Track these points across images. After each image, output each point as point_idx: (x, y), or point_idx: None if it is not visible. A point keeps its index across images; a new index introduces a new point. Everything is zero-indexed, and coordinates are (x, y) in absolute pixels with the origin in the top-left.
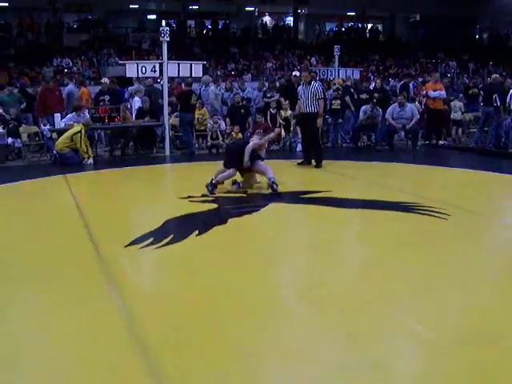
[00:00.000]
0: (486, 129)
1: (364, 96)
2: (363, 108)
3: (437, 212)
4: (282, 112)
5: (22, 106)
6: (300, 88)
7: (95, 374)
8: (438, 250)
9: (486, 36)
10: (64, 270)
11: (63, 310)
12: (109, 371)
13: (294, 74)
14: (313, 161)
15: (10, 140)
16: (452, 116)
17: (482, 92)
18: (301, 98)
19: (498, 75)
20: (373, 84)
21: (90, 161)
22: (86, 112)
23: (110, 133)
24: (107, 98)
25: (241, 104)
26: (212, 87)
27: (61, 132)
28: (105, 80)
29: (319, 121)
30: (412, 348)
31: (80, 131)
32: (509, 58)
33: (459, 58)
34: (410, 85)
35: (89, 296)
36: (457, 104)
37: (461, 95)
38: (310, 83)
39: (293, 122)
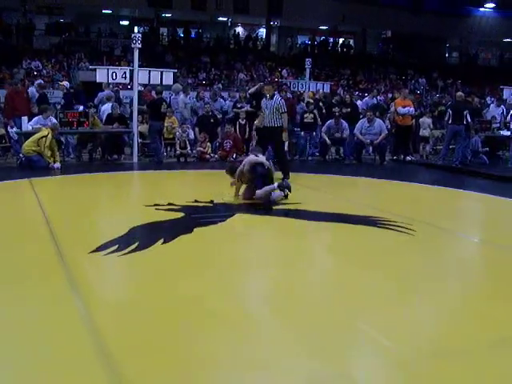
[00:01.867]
0: (451, 146)
1: (336, 110)
2: (327, 123)
3: (403, 227)
4: (256, 122)
5: None
6: (263, 101)
7: (56, 380)
8: (404, 264)
9: (455, 55)
10: (27, 275)
11: (24, 317)
12: (70, 378)
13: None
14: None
15: None
16: (421, 133)
17: (449, 110)
18: (264, 111)
19: (462, 93)
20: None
21: (57, 165)
22: (52, 116)
23: (78, 138)
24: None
25: (211, 114)
26: (181, 96)
27: (28, 135)
28: (64, 83)
29: (285, 135)
30: (377, 361)
31: (46, 136)
32: (477, 76)
33: (429, 76)
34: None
35: (51, 302)
36: (425, 121)
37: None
38: (272, 97)
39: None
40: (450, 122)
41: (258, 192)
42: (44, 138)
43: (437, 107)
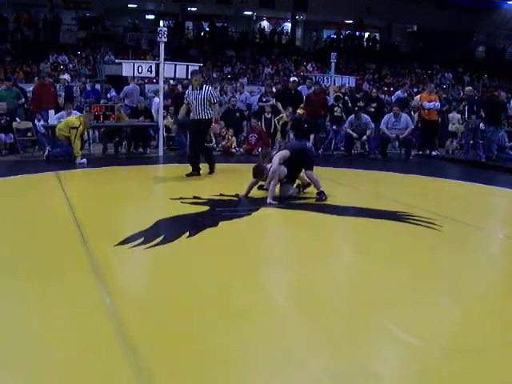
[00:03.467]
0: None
1: (360, 103)
2: (349, 119)
3: (429, 222)
4: (284, 116)
5: (21, 101)
6: (189, 92)
7: (82, 371)
8: (429, 259)
9: (482, 49)
10: (53, 267)
11: (51, 308)
12: (95, 369)
13: (292, 79)
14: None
15: (2, 136)
16: (450, 127)
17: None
18: (192, 103)
19: (471, 88)
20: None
21: (83, 160)
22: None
23: (104, 131)
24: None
25: (236, 107)
26: None
27: (54, 128)
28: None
29: (215, 126)
30: (399, 357)
31: (77, 127)
32: (504, 71)
33: (455, 70)
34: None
35: (77, 294)
36: (455, 116)
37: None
38: (201, 87)
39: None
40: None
41: (310, 173)
42: (75, 130)
43: (461, 102)
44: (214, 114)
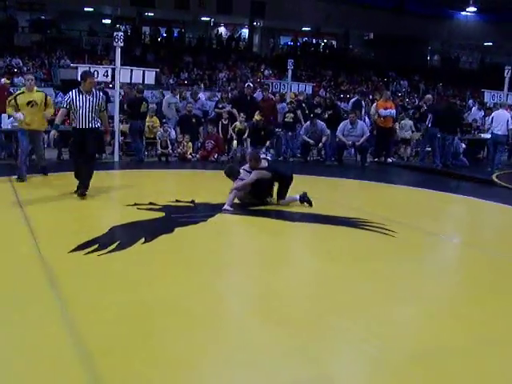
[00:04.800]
0: (427, 149)
1: (318, 110)
2: (305, 125)
3: (384, 228)
4: (238, 124)
5: None
6: (74, 96)
7: (34, 379)
8: (385, 265)
9: (436, 58)
10: (5, 274)
11: (3, 316)
12: (48, 377)
13: (246, 84)
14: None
15: None
16: (402, 134)
17: (427, 113)
18: (77, 109)
19: (430, 96)
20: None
21: (19, 114)
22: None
23: (59, 136)
24: None
25: (192, 113)
26: (167, 96)
27: (7, 133)
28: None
29: (109, 137)
30: (362, 363)
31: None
32: (458, 79)
33: (410, 78)
34: (363, 102)
35: (31, 301)
36: (407, 123)
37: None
38: (90, 92)
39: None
40: (429, 124)
41: (283, 201)
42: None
43: (418, 110)
44: (104, 121)
